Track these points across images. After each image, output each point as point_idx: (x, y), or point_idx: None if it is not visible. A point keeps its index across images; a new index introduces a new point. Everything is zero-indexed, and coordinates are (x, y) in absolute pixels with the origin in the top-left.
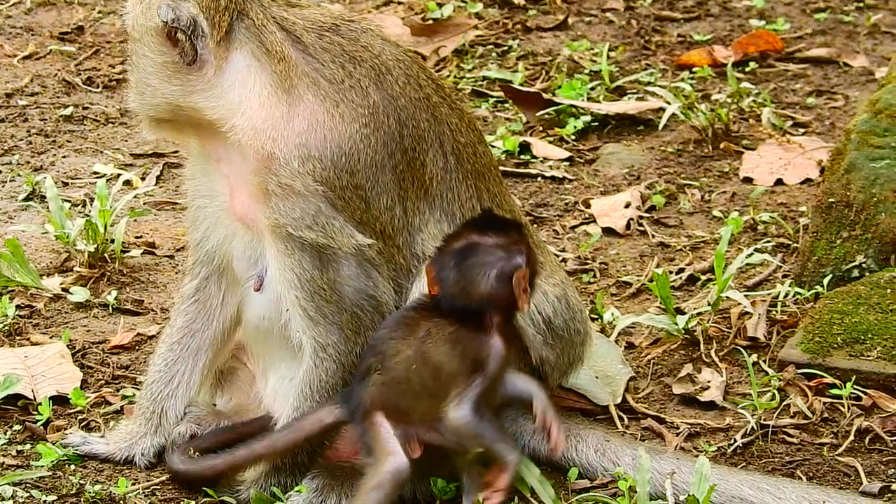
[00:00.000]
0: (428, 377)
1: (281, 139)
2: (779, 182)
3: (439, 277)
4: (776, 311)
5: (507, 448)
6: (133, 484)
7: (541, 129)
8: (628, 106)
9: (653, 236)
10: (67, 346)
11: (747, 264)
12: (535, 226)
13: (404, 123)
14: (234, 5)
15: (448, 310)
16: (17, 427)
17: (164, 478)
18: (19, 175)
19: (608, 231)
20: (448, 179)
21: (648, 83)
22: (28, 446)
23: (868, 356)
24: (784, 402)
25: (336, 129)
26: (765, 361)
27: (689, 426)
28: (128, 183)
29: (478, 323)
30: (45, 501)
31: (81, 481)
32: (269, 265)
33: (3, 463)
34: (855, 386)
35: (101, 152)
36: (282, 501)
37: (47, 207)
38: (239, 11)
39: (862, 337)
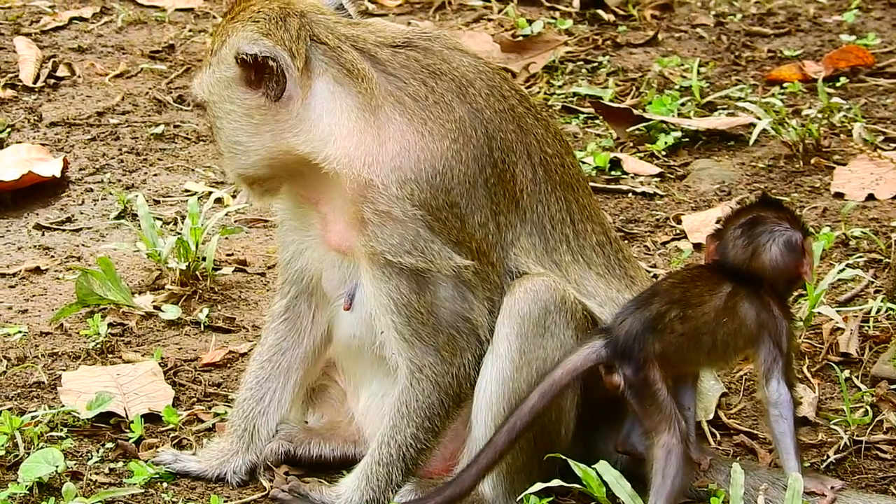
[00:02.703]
0: (728, 334)
1: (376, 164)
2: (870, 197)
3: (722, 248)
4: (868, 327)
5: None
6: (225, 501)
7: (631, 144)
8: (719, 121)
9: None
10: (159, 363)
11: (839, 280)
12: (626, 242)
13: (492, 136)
14: (306, 31)
15: (731, 275)
16: (109, 445)
17: (256, 496)
18: (111, 193)
19: (699, 247)
20: (537, 191)
21: (739, 98)
22: (120, 464)
23: None
24: (877, 418)
25: (428, 148)
26: (857, 377)
27: None
28: (219, 201)
29: (758, 293)
30: None
31: (174, 499)
32: (364, 289)
33: (96, 481)
34: None
35: (193, 170)
36: None
37: (139, 225)
38: (312, 37)
39: None
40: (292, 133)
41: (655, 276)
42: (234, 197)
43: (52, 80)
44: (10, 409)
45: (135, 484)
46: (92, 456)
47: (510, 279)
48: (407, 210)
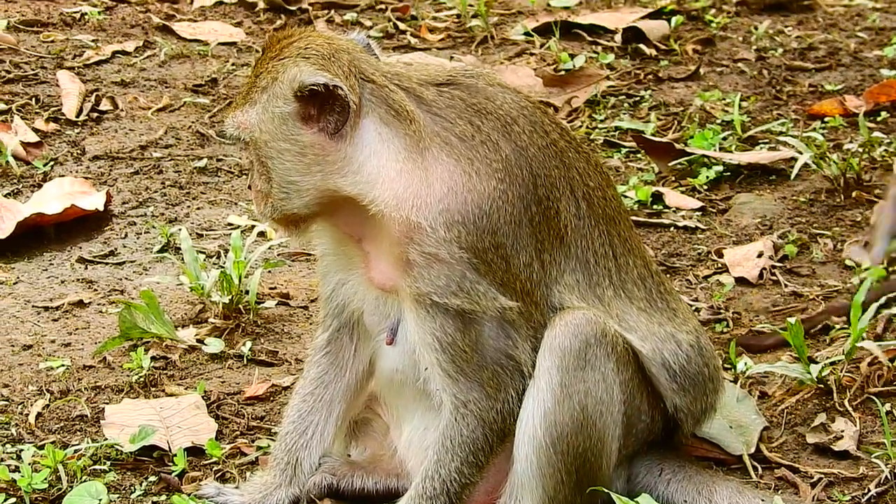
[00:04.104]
0: None
1: (424, 206)
2: None
3: None
4: None
5: None
6: None
7: (673, 178)
8: (760, 156)
9: (785, 286)
10: (202, 396)
11: (879, 313)
12: (668, 275)
13: (536, 173)
14: (356, 69)
15: None
16: (152, 478)
17: None
18: (154, 227)
19: (741, 281)
20: (581, 226)
21: (780, 133)
22: (164, 497)
23: None
24: None
25: (475, 190)
26: None
27: (822, 476)
28: (262, 234)
29: None
30: None
31: None
32: (408, 326)
33: None
34: None
35: (236, 204)
36: None
37: (182, 259)
38: (361, 76)
39: None
40: (340, 174)
41: (697, 309)
42: (276, 230)
43: (95, 114)
44: (53, 443)
45: None
46: (135, 489)
47: (553, 314)
48: (454, 252)
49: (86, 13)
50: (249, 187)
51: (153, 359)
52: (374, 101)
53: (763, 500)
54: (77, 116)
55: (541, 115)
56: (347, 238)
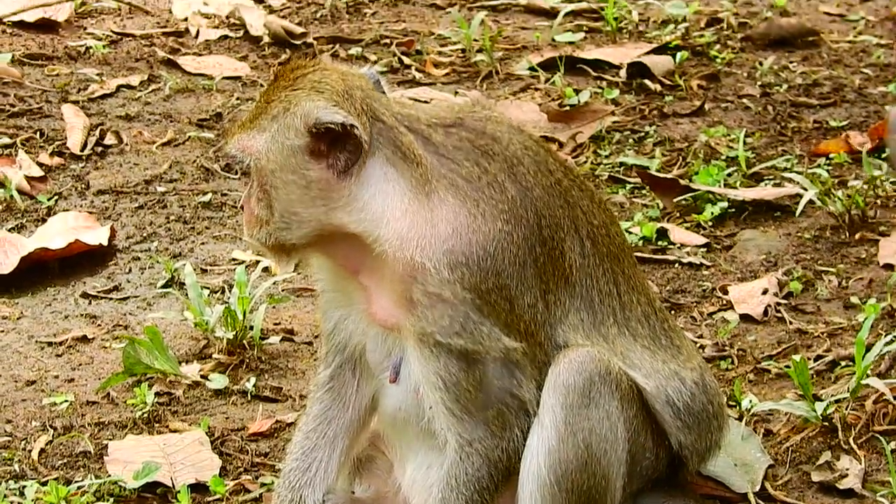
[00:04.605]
0: None
1: (428, 247)
2: None
3: None
4: None
5: None
6: None
7: (678, 214)
8: (765, 192)
9: (790, 323)
10: (206, 433)
11: (886, 352)
12: (673, 312)
13: (541, 214)
14: (367, 107)
15: None
16: None
17: None
18: (158, 262)
19: (746, 318)
20: (586, 265)
21: (785, 169)
22: None
23: None
24: None
25: (480, 231)
26: None
27: None
28: (266, 270)
29: None
30: None
31: None
32: (411, 365)
33: None
34: None
35: (240, 239)
36: None
37: (186, 294)
38: (372, 114)
39: None
40: (345, 211)
41: (702, 346)
42: (263, 255)
43: (100, 148)
44: (56, 479)
45: None
46: None
47: (557, 352)
48: (458, 293)
49: (90, 47)
50: (241, 207)
51: (157, 395)
52: (382, 141)
53: None
54: (81, 150)
55: (545, 154)
56: (346, 272)
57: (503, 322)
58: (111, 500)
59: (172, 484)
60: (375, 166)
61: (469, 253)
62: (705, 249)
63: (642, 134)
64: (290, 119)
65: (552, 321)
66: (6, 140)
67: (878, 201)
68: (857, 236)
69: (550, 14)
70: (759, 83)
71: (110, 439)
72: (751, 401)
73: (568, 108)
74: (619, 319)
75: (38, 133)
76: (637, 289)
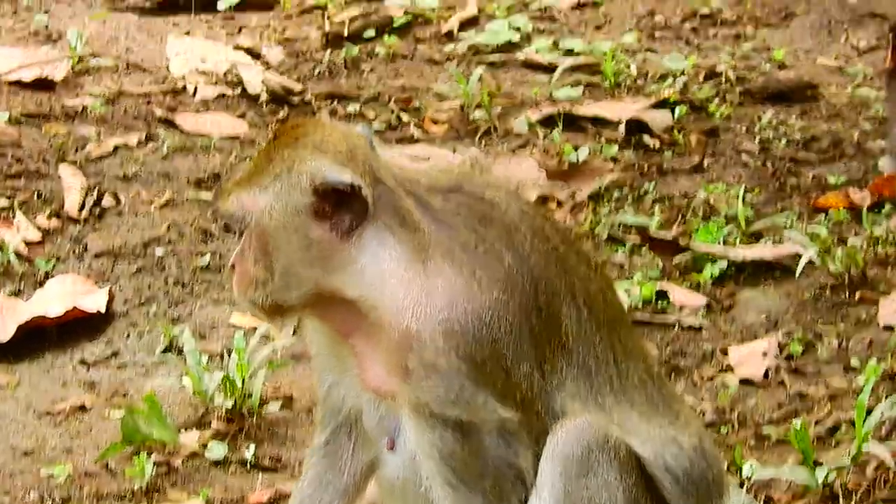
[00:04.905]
0: None
1: (423, 315)
2: None
3: None
4: None
5: None
6: None
7: (677, 274)
8: (764, 251)
9: (791, 386)
10: (206, 503)
11: (886, 415)
12: (673, 375)
13: (538, 282)
14: (369, 168)
15: None
16: None
17: None
18: (157, 327)
19: (746, 381)
20: (582, 332)
21: (784, 227)
22: None
23: None
24: None
25: (476, 300)
26: None
27: None
28: (266, 336)
29: None
30: None
31: None
32: (407, 434)
33: None
34: None
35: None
36: None
37: (185, 360)
38: (374, 176)
39: None
40: (343, 274)
41: (702, 411)
42: (256, 316)
43: (98, 210)
44: None
45: None
46: None
47: (555, 420)
48: (453, 362)
49: (88, 105)
50: (233, 266)
51: (156, 464)
52: (383, 205)
53: None
54: (79, 212)
55: (542, 220)
56: (340, 336)
57: (499, 392)
58: None
59: None
60: (375, 230)
61: (465, 322)
62: (705, 310)
63: (641, 191)
64: (295, 178)
65: (549, 389)
66: (3, 202)
67: (878, 260)
68: (856, 296)
69: (549, 69)
70: (757, 138)
71: None
72: (752, 467)
73: (567, 165)
74: (615, 387)
75: (35, 194)
76: (634, 355)
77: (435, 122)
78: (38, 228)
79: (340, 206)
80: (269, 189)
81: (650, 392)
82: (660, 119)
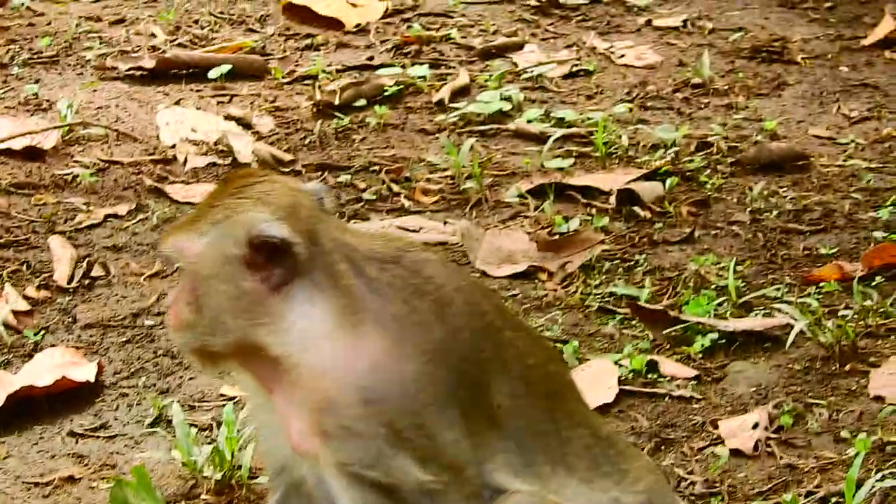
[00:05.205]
0: None
1: (344, 381)
2: None
3: None
4: None
5: None
6: None
7: (668, 346)
8: (755, 323)
9: (781, 458)
10: None
11: (876, 488)
12: (663, 448)
13: (467, 356)
14: (309, 227)
15: None
16: None
17: None
18: (146, 398)
19: (736, 452)
20: (517, 406)
21: (775, 298)
22: None
23: None
24: None
25: (400, 369)
26: None
27: None
28: None
29: None
30: None
31: None
32: (335, 494)
33: None
34: None
35: (228, 373)
36: None
37: (174, 433)
38: (313, 235)
39: None
40: (266, 328)
41: (692, 483)
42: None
43: (87, 280)
44: None
45: None
46: None
47: (488, 492)
48: (371, 428)
49: (78, 175)
50: (169, 307)
51: None
52: (317, 265)
53: None
54: (68, 283)
55: (480, 296)
56: (265, 390)
57: (419, 457)
58: None
59: None
60: (305, 289)
61: (385, 391)
62: (695, 382)
63: (632, 262)
64: (232, 227)
65: (479, 459)
66: None
67: (869, 331)
68: (847, 367)
69: (540, 139)
70: (748, 209)
71: None
72: None
73: (557, 236)
74: (555, 457)
75: (24, 265)
76: (579, 423)
77: (426, 192)
78: (27, 299)
79: (272, 259)
80: (206, 235)
81: (595, 456)
82: (651, 190)
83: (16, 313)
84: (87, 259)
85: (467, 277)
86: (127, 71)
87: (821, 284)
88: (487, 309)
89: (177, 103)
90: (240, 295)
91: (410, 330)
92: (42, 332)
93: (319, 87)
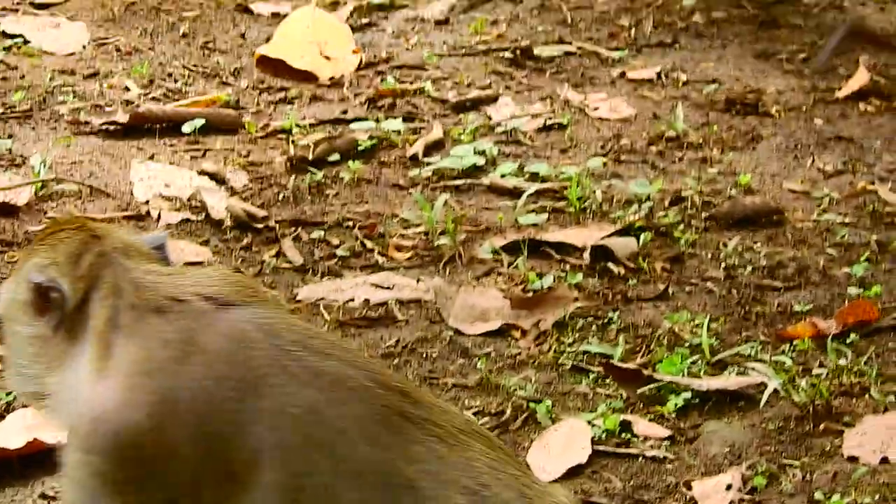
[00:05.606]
0: None
1: (76, 426)
2: (884, 461)
3: None
4: None
5: None
6: None
7: (641, 405)
8: (729, 382)
9: None
10: None
11: None
12: None
13: (207, 408)
14: (91, 273)
15: None
16: None
17: None
18: None
19: None
20: (262, 461)
21: (749, 356)
22: None
23: None
24: None
25: (123, 420)
26: None
27: None
28: None
29: None
30: None
31: None
32: None
33: None
34: None
35: None
36: None
37: None
38: (92, 282)
39: None
40: (52, 375)
41: None
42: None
43: None
44: None
45: None
46: None
47: None
48: (85, 478)
49: None
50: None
51: None
52: (88, 311)
53: None
54: None
55: (235, 346)
56: None
57: None
58: None
59: None
60: (77, 336)
61: (105, 441)
62: (669, 442)
63: (606, 320)
64: (22, 273)
65: None
66: None
67: (843, 390)
68: (821, 427)
69: (514, 193)
70: (723, 265)
71: None
72: None
73: (531, 293)
74: None
75: None
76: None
77: (399, 248)
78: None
79: (49, 304)
80: (10, 282)
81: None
82: (625, 245)
83: None
84: None
85: (236, 325)
86: (101, 125)
87: (794, 342)
88: (244, 356)
89: (151, 158)
90: (30, 339)
91: (140, 379)
92: (13, 393)
93: (293, 141)
